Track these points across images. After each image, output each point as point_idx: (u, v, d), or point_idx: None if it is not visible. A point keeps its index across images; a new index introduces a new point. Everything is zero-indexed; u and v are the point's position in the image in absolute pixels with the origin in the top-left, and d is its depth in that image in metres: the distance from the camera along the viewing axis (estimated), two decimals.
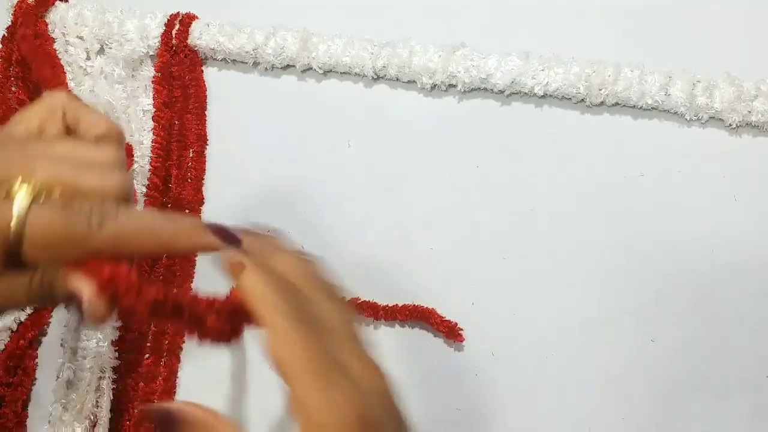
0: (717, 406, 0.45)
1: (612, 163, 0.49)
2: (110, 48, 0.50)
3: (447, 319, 0.46)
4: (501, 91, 0.49)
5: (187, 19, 0.50)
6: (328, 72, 0.51)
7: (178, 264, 0.48)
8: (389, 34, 0.49)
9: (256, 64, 0.51)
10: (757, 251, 0.47)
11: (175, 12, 0.50)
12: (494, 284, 0.47)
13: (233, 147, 0.51)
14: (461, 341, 0.46)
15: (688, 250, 0.47)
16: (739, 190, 0.48)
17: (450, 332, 0.45)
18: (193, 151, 0.50)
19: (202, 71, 0.51)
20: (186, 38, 0.50)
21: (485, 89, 0.49)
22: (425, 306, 0.46)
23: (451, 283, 0.47)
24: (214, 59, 0.51)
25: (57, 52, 0.50)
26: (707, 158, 0.48)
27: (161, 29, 0.50)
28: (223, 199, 0.50)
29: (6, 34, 0.50)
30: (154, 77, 0.50)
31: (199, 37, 0.50)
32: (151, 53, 0.51)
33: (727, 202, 0.48)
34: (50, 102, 0.31)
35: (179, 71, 0.50)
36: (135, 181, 0.48)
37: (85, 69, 0.51)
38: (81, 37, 0.50)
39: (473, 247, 0.48)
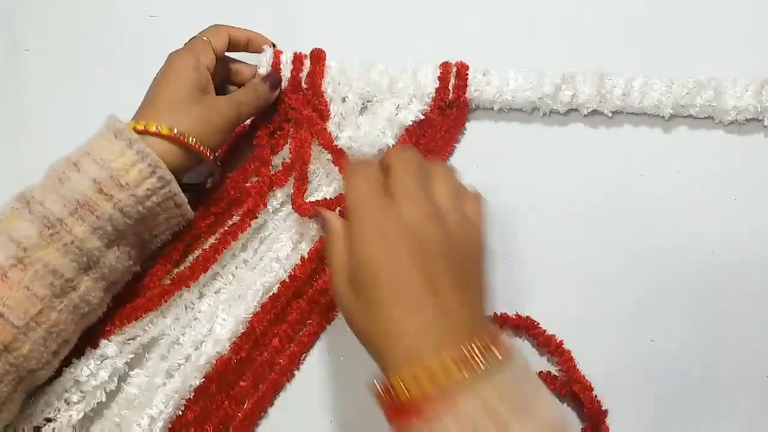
0: (717, 406, 0.45)
1: (612, 163, 0.49)
2: (375, 104, 0.48)
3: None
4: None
5: (462, 70, 0.48)
6: (616, 113, 0.49)
7: None
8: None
9: (534, 110, 0.49)
10: (757, 251, 0.47)
11: (443, 61, 0.48)
12: (494, 284, 0.47)
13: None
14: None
15: (688, 250, 0.47)
16: (739, 190, 0.48)
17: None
18: None
19: (465, 123, 0.49)
20: (464, 91, 0.47)
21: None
22: None
23: None
24: (483, 109, 0.49)
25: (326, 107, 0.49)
26: (707, 158, 0.48)
27: (435, 84, 0.47)
28: None
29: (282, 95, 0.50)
30: (408, 128, 0.48)
31: (477, 89, 0.47)
32: (422, 110, 0.48)
33: (727, 202, 0.48)
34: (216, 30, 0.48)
35: (442, 122, 0.48)
36: None
37: (353, 124, 0.49)
38: (345, 98, 0.49)
39: None
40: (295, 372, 0.46)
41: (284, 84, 0.49)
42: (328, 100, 0.48)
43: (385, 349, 0.33)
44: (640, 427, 0.45)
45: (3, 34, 0.55)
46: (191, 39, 0.47)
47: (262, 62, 0.49)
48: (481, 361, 0.31)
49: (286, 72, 0.49)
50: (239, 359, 0.45)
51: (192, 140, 0.42)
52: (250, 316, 0.46)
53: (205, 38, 0.47)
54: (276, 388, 0.46)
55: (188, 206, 0.44)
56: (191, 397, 0.44)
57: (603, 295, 0.47)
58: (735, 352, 0.45)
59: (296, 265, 0.47)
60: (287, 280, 0.46)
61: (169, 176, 0.41)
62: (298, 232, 0.47)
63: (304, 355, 0.46)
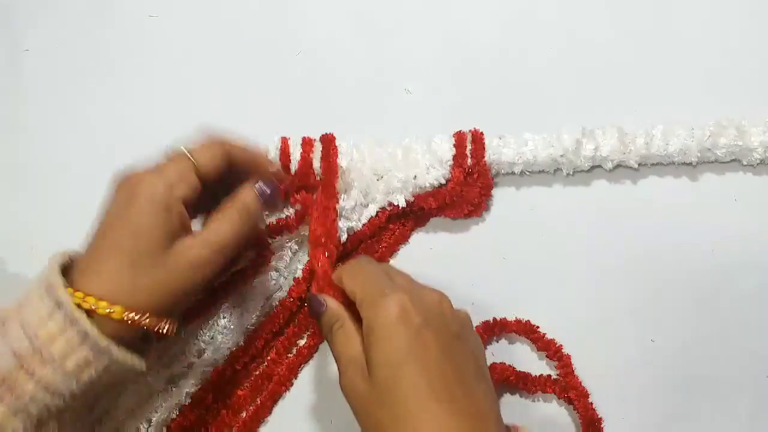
0: (717, 406, 0.45)
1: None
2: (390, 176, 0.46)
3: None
4: None
5: (477, 135, 0.47)
6: (642, 166, 0.48)
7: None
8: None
9: (557, 170, 0.48)
10: (757, 251, 0.47)
11: (458, 130, 0.47)
12: (494, 284, 0.47)
13: None
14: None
15: (688, 250, 0.47)
16: (739, 190, 0.48)
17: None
18: None
19: (492, 188, 0.48)
20: (482, 155, 0.46)
21: None
22: None
23: (451, 283, 0.47)
24: (504, 174, 0.48)
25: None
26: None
27: (452, 151, 0.46)
28: None
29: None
30: (440, 203, 0.46)
31: (496, 151, 0.46)
32: (443, 174, 0.46)
33: (727, 202, 0.48)
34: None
35: (468, 193, 0.47)
36: None
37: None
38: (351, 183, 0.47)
39: (473, 248, 0.48)
40: (294, 381, 0.46)
41: (294, 167, 0.46)
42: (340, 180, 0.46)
43: None
44: (640, 427, 0.45)
45: (3, 34, 0.55)
46: (171, 151, 0.38)
47: (270, 151, 0.47)
48: None
49: (296, 156, 0.47)
50: (234, 371, 0.45)
51: (149, 321, 0.34)
52: (251, 327, 0.46)
53: (188, 155, 0.37)
54: (275, 398, 0.46)
55: (137, 360, 0.35)
56: (187, 404, 0.44)
57: (603, 295, 0.47)
58: (735, 352, 0.45)
59: (291, 286, 0.46)
60: (286, 296, 0.46)
61: (104, 343, 0.33)
62: (296, 242, 0.47)
63: (302, 366, 0.46)
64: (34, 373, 0.33)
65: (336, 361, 0.37)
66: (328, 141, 0.47)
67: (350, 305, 0.38)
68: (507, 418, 0.36)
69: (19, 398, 0.33)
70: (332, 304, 0.38)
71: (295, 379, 0.46)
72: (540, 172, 0.48)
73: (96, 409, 0.39)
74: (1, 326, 0.34)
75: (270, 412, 0.46)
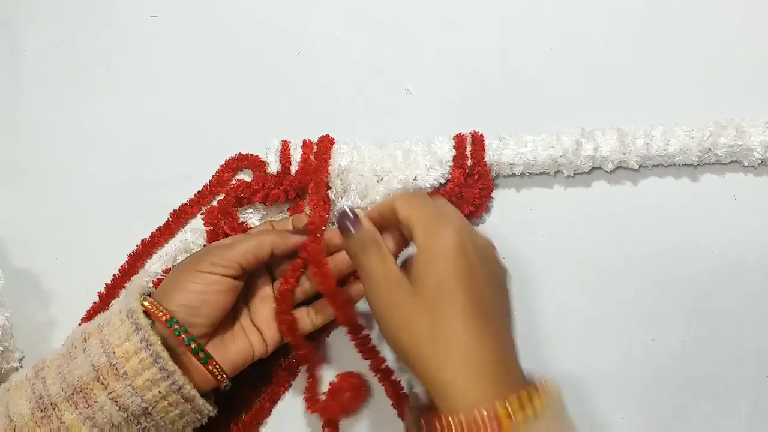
0: (717, 406, 0.45)
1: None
2: (390, 177, 0.47)
3: None
4: None
5: (477, 136, 0.47)
6: (642, 167, 0.48)
7: None
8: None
9: (557, 172, 0.48)
10: (757, 251, 0.47)
11: (458, 133, 0.47)
12: None
13: None
14: None
15: (688, 250, 0.47)
16: (739, 190, 0.48)
17: None
18: None
19: (492, 190, 0.48)
20: (482, 155, 0.46)
21: None
22: None
23: None
24: (504, 176, 0.48)
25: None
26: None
27: (452, 152, 0.46)
28: None
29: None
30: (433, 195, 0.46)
31: (496, 152, 0.47)
32: (442, 174, 0.47)
33: (727, 202, 0.48)
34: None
35: (468, 194, 0.47)
36: None
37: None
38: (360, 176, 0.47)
39: None
40: (292, 382, 0.46)
41: (295, 168, 0.47)
42: (334, 179, 0.47)
43: (440, 378, 0.34)
44: (640, 427, 0.45)
45: (3, 34, 0.55)
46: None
47: (270, 154, 0.48)
48: (535, 406, 0.33)
49: (296, 158, 0.47)
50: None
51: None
52: None
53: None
54: (274, 399, 0.46)
55: (201, 400, 0.39)
56: None
57: (603, 295, 0.47)
58: (735, 352, 0.45)
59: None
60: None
61: (172, 367, 0.38)
62: None
63: (301, 367, 0.46)
64: (107, 386, 0.37)
65: (365, 277, 0.37)
66: (325, 142, 0.48)
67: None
68: None
69: (90, 407, 0.37)
70: (367, 225, 0.38)
71: (294, 380, 0.46)
72: (541, 174, 0.48)
73: None
74: (83, 341, 0.39)
75: (269, 414, 0.46)
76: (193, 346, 0.39)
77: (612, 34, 0.52)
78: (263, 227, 0.46)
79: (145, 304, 0.39)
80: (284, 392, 0.46)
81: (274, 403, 0.46)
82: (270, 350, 0.43)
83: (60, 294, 0.49)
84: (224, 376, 0.41)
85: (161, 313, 0.39)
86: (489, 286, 0.36)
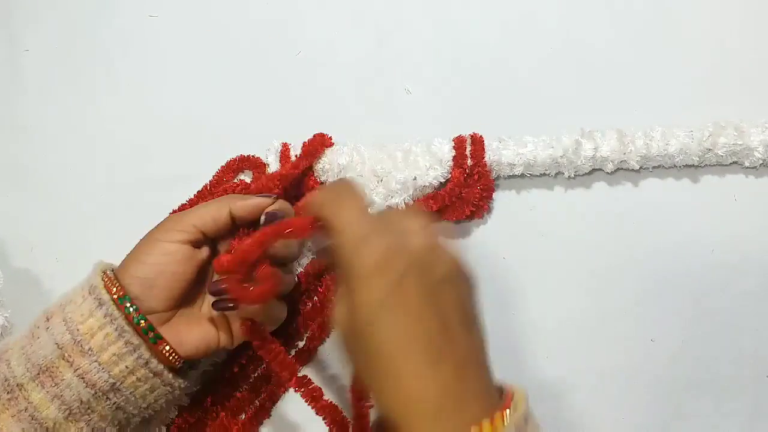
0: (717, 406, 0.45)
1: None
2: (389, 177, 0.46)
3: None
4: None
5: (477, 137, 0.47)
6: (643, 169, 0.48)
7: None
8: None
9: (557, 174, 0.48)
10: (757, 251, 0.47)
11: (458, 135, 0.47)
12: (494, 284, 0.47)
13: None
14: None
15: (688, 250, 0.47)
16: (739, 190, 0.48)
17: None
18: None
19: (493, 190, 0.48)
20: (482, 155, 0.46)
21: None
22: None
23: None
24: (504, 177, 0.48)
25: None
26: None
27: (452, 153, 0.46)
28: None
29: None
30: (441, 205, 0.46)
31: (495, 153, 0.46)
32: (442, 173, 0.47)
33: (727, 202, 0.48)
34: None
35: (468, 194, 0.47)
36: None
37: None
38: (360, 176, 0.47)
39: (473, 249, 0.48)
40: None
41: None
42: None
43: (402, 411, 0.30)
44: (640, 427, 0.45)
45: (3, 34, 0.55)
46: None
47: (270, 155, 0.48)
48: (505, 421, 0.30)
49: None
50: (233, 372, 0.45)
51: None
52: None
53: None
54: (274, 400, 0.46)
55: (171, 375, 0.39)
56: (185, 405, 0.44)
57: (602, 295, 0.47)
58: (735, 352, 0.45)
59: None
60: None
61: (137, 341, 0.37)
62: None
63: (301, 368, 0.46)
64: (73, 363, 0.37)
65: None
66: (320, 140, 0.48)
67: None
68: None
69: (57, 385, 0.37)
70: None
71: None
72: (541, 174, 0.48)
73: (131, 423, 0.40)
74: (45, 321, 0.38)
75: (269, 414, 0.46)
76: (142, 325, 0.38)
77: (612, 34, 0.52)
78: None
79: (105, 280, 0.39)
80: (284, 392, 0.46)
81: (274, 403, 0.46)
82: (236, 343, 0.41)
83: (60, 294, 0.49)
84: (176, 357, 0.39)
85: (114, 289, 0.38)
86: (431, 300, 0.32)
